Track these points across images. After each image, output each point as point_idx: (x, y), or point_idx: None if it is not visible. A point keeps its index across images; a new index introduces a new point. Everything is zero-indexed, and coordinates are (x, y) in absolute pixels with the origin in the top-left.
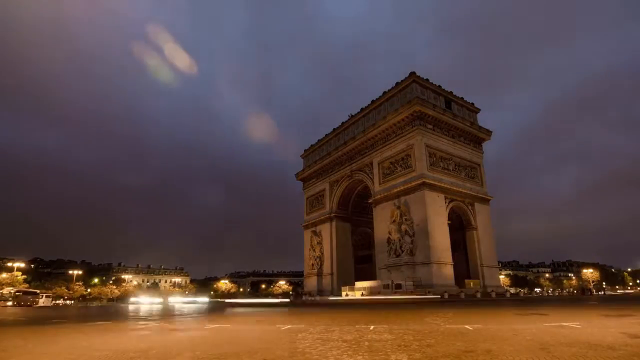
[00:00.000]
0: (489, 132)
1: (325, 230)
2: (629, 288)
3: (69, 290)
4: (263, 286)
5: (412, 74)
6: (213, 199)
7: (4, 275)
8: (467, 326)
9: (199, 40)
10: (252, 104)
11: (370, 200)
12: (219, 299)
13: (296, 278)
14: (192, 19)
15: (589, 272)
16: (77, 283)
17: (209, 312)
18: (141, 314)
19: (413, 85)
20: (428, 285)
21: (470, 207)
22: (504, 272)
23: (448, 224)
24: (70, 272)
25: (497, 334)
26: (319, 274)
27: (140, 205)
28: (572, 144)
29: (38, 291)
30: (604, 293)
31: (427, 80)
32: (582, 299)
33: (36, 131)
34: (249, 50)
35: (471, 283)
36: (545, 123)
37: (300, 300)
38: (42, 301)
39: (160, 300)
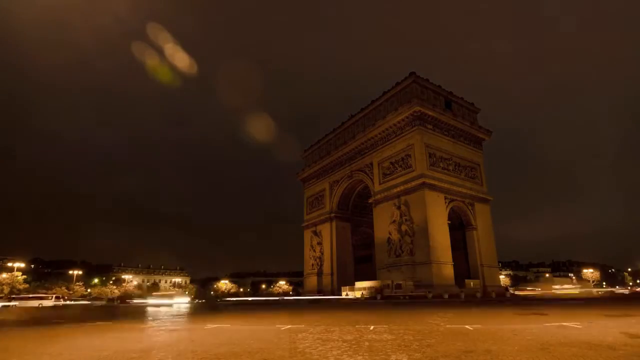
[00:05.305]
0: (488, 132)
1: (326, 230)
2: (628, 288)
3: (69, 290)
4: (263, 286)
5: (412, 74)
6: (212, 200)
7: (4, 275)
8: (467, 326)
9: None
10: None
11: (370, 200)
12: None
13: (296, 278)
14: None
15: (589, 272)
16: (77, 283)
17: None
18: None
19: (413, 86)
20: (428, 285)
21: (470, 207)
22: (504, 272)
23: (448, 223)
24: (70, 272)
25: (497, 334)
26: (319, 274)
27: (140, 205)
28: None
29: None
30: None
31: (427, 80)
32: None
33: (36, 134)
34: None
35: (471, 283)
36: None
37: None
38: (53, 301)
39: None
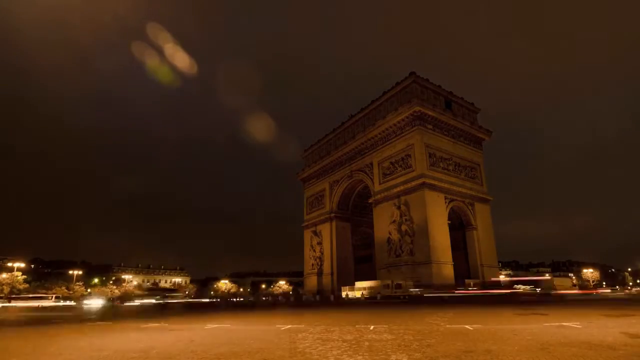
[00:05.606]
0: (488, 132)
1: (326, 230)
2: (628, 288)
3: (69, 290)
4: (263, 286)
5: (412, 74)
6: (212, 200)
7: (4, 275)
8: (467, 326)
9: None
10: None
11: (370, 200)
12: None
13: (296, 278)
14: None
15: (589, 272)
16: (77, 283)
17: None
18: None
19: (413, 86)
20: (428, 285)
21: (470, 207)
22: (504, 272)
23: (448, 223)
24: (70, 272)
25: (497, 334)
26: (319, 274)
27: (140, 206)
28: None
29: None
30: (600, 292)
31: (427, 80)
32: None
33: (36, 135)
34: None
35: (471, 283)
36: None
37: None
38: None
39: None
